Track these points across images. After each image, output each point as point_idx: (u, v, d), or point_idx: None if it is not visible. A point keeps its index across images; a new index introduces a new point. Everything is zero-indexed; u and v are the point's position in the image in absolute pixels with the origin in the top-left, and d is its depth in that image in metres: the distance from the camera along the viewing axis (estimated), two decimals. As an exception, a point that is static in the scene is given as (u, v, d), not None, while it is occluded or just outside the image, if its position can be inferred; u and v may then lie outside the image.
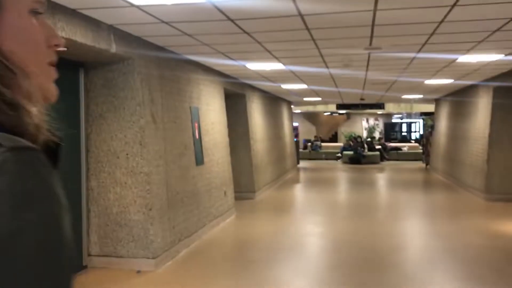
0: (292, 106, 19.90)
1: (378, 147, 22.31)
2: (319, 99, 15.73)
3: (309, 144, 23.91)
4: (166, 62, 6.03)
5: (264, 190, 11.42)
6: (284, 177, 14.44)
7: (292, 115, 18.09)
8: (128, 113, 5.31)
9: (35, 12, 0.68)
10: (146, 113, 5.38)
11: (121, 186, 5.34)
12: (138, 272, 5.23)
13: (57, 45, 0.72)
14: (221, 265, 5.94)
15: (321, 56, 6.60)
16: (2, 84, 0.60)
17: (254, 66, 7.58)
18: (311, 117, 29.79)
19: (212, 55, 6.43)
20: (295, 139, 20.21)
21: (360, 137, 22.64)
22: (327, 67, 7.55)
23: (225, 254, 6.47)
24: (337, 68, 7.71)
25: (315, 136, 24.85)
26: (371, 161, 20.46)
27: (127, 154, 5.31)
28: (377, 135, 28.02)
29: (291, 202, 10.54)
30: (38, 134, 0.62)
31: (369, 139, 23.69)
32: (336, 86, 10.95)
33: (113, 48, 4.78)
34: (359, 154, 20.44)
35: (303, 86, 11.02)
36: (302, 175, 16.73)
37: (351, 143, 22.20)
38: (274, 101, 14.19)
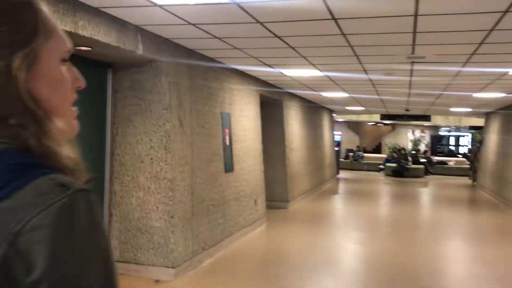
0: (334, 115, 19.49)
1: (422, 160, 21.50)
2: (362, 108, 15.26)
3: (351, 154, 23.34)
4: (196, 66, 5.86)
5: (298, 200, 11.10)
6: (321, 187, 14.06)
7: (333, 124, 17.67)
8: (155, 116, 5.16)
9: (64, 60, 0.76)
10: (172, 117, 5.22)
11: (144, 191, 5.19)
12: (157, 281, 5.05)
13: (79, 87, 0.80)
14: (245, 278, 5.69)
15: (360, 63, 6.26)
16: (43, 132, 0.69)
17: (290, 72, 7.32)
18: (355, 127, 29.15)
19: (244, 61, 6.22)
20: (336, 149, 19.76)
21: (404, 149, 21.88)
22: (367, 73, 7.18)
23: (251, 267, 6.21)
24: (378, 74, 7.33)
25: (357, 146, 24.25)
26: (414, 174, 19.72)
27: (151, 159, 5.17)
28: (422, 147, 27.06)
29: (326, 214, 10.16)
30: (77, 174, 0.71)
31: (413, 152, 22.88)
32: (378, 95, 10.51)
33: (140, 50, 4.64)
34: (402, 167, 19.74)
35: (344, 94, 10.65)
36: (341, 186, 16.26)
37: (394, 155, 21.50)
38: (315, 110, 13.86)
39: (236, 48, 5.45)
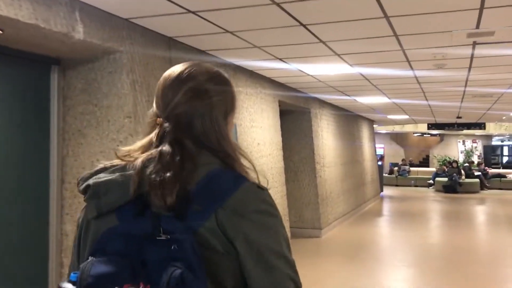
0: (375, 126, 17.68)
1: (477, 173, 19.26)
2: (406, 117, 13.44)
3: (396, 168, 21.33)
4: (181, 60, 4.41)
5: (334, 225, 9.42)
6: (362, 208, 12.29)
7: (374, 135, 15.87)
8: (114, 128, 3.73)
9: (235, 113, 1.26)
10: (139, 129, 3.77)
11: (102, 233, 3.74)
12: None
13: None
14: None
15: (402, 49, 4.65)
16: (233, 159, 1.14)
17: (311, 69, 5.77)
18: (399, 138, 27.08)
19: (245, 52, 4.73)
20: (379, 163, 17.89)
21: (456, 161, 19.71)
22: (411, 67, 5.54)
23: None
24: (426, 69, 5.67)
25: (402, 160, 22.21)
26: (469, 189, 17.55)
27: (110, 187, 3.72)
28: (475, 159, 24.66)
29: (368, 243, 8.43)
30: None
31: (466, 164, 20.64)
32: (426, 99, 8.77)
33: (79, 33, 3.24)
34: (454, 182, 17.61)
35: (384, 99, 8.97)
36: (385, 205, 14.40)
37: (445, 168, 19.37)
38: (351, 119, 12.19)
39: (228, 31, 3.98)
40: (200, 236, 0.99)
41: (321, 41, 4.28)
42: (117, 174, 1.07)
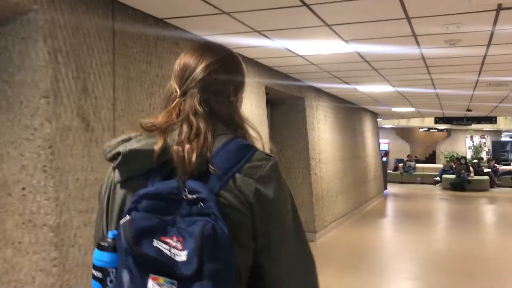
0: (379, 120, 16.74)
1: (486, 170, 18.29)
2: (412, 109, 12.50)
3: (401, 165, 20.38)
4: (127, 28, 3.52)
5: (331, 228, 8.52)
6: (364, 208, 11.37)
7: (378, 129, 14.93)
8: (28, 112, 2.85)
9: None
10: (62, 113, 2.89)
11: (13, 248, 2.87)
12: None
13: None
14: None
15: (407, 19, 3.73)
16: (242, 129, 1.26)
17: (300, 47, 4.86)
18: (404, 134, 26.11)
19: (216, 22, 3.82)
20: (383, 159, 16.95)
21: (464, 158, 18.74)
22: (419, 44, 4.62)
23: None
24: (436, 46, 4.75)
25: (408, 156, 21.26)
26: (478, 187, 16.59)
27: (23, 189, 2.85)
28: (483, 155, 23.65)
29: (367, 249, 7.53)
30: None
31: (475, 161, 19.66)
32: (434, 87, 7.83)
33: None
34: (463, 179, 16.66)
35: (387, 87, 8.04)
36: (389, 204, 13.48)
37: (453, 164, 18.42)
38: (353, 112, 11.26)
39: (180, -12, 3.08)
40: (221, 197, 1.11)
41: (304, 4, 3.37)
42: (143, 142, 1.18)
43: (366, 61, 5.59)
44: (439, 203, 14.21)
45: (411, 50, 4.89)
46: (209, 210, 1.06)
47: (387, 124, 21.98)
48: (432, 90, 8.17)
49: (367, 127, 13.00)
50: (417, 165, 20.42)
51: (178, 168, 1.12)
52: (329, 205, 8.58)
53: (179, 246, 1.03)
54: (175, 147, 1.13)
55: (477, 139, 24.74)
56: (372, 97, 9.68)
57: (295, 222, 1.19)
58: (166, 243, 1.04)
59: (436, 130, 24.75)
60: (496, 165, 19.06)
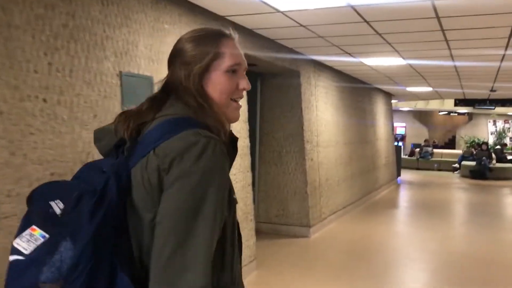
0: (394, 101, 15.53)
1: (510, 157, 16.98)
2: (430, 89, 11.28)
3: (418, 150, 19.14)
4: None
5: (330, 221, 7.49)
6: (372, 197, 10.30)
7: (391, 112, 13.75)
8: None
9: (231, 71, 1.30)
10: None
11: None
12: None
13: (244, 89, 1.34)
14: None
15: None
16: (202, 110, 1.22)
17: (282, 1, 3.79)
18: (423, 117, 24.78)
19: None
20: (397, 144, 15.79)
21: (486, 143, 17.43)
22: (437, 14, 3.52)
23: None
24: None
25: (425, 141, 20.00)
26: (500, 176, 15.32)
27: None
28: (508, 141, 22.24)
29: (370, 248, 6.48)
30: (220, 134, 1.20)
31: (498, 147, 18.32)
32: (453, 58, 6.66)
33: None
34: (484, 166, 15.40)
35: (398, 60, 6.90)
36: (402, 193, 12.37)
37: (473, 150, 17.15)
38: (362, 91, 10.12)
39: None
40: (133, 174, 1.17)
41: None
42: (113, 123, 1.30)
43: (365, 21, 4.48)
44: (457, 192, 13.03)
45: (421, 1, 3.77)
46: (96, 187, 1.14)
47: (404, 106, 20.74)
48: (451, 63, 6.99)
49: (379, 108, 11.84)
50: (435, 150, 19.17)
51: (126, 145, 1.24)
52: (329, 195, 7.55)
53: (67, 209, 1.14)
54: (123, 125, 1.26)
55: (500, 124, 23.29)
56: (383, 73, 8.53)
57: (194, 219, 1.10)
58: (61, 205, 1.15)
59: (456, 114, 23.33)
60: (521, 152, 17.72)
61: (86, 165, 1.27)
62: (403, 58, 6.68)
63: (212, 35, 1.28)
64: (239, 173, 4.85)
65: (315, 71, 7.24)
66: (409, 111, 23.41)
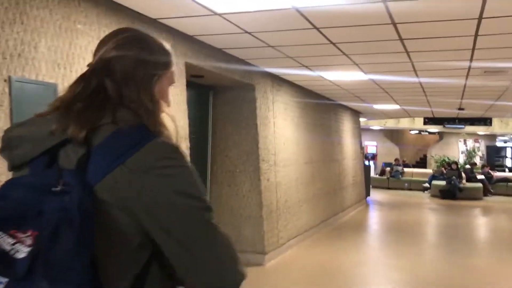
0: (365, 119, 15.24)
1: (480, 177, 16.80)
2: (397, 107, 10.97)
3: (388, 169, 18.86)
4: None
5: (289, 246, 6.95)
6: (338, 219, 9.81)
7: (359, 130, 13.40)
8: None
9: (169, 85, 1.24)
10: None
11: None
12: None
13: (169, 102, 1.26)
14: None
15: None
16: (153, 117, 1.13)
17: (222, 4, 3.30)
18: (394, 136, 24.62)
19: None
20: (368, 162, 15.45)
21: (456, 162, 17.23)
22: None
23: None
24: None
25: (395, 160, 19.74)
26: (470, 196, 15.06)
27: None
28: (477, 160, 22.19)
29: (333, 276, 5.95)
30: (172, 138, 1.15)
31: (468, 166, 18.17)
32: (416, 74, 6.28)
33: None
34: (453, 186, 15.14)
35: (358, 74, 6.50)
36: (370, 214, 11.95)
37: (443, 170, 16.91)
38: (327, 108, 9.71)
39: None
40: (97, 192, 1.01)
41: None
42: (30, 128, 1.12)
43: (315, 27, 4.03)
44: (427, 213, 12.67)
45: (373, 3, 3.34)
46: (70, 206, 0.97)
47: (375, 125, 20.50)
48: (415, 79, 6.62)
49: (346, 126, 11.46)
50: (406, 169, 18.92)
51: (60, 156, 1.06)
52: (288, 218, 7.02)
53: (28, 241, 0.94)
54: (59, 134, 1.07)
55: (470, 143, 23.29)
56: (346, 89, 8.14)
57: (193, 202, 1.09)
58: (14, 237, 0.94)
59: (427, 133, 23.26)
60: (490, 171, 17.57)
61: (11, 182, 1.03)
62: (364, 72, 6.28)
63: (161, 43, 1.25)
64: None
65: (273, 85, 6.77)
66: (380, 130, 23.21)
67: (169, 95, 1.23)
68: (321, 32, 4.19)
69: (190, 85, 5.62)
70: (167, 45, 1.23)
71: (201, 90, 6.02)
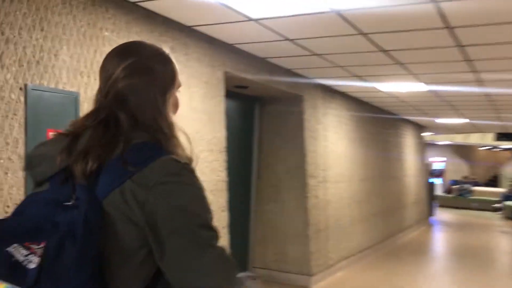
0: (430, 134, 14.44)
1: (560, 198, 15.36)
2: (463, 120, 10.22)
3: (456, 187, 17.75)
4: None
5: (339, 269, 6.53)
6: (396, 240, 9.22)
7: (423, 145, 12.67)
8: None
9: (178, 88, 1.25)
10: None
11: None
12: None
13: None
14: None
15: None
16: (172, 137, 1.16)
17: (245, 3, 3.08)
18: (463, 152, 23.21)
19: None
20: (433, 180, 14.60)
21: (532, 182, 15.91)
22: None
23: None
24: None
25: (464, 177, 18.58)
26: (549, 219, 13.78)
27: None
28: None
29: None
30: (185, 159, 1.14)
31: (546, 186, 16.72)
32: (482, 85, 5.72)
33: None
34: (529, 208, 13.92)
35: (418, 86, 6.03)
36: (433, 236, 11.20)
37: (517, 189, 15.67)
38: (386, 122, 9.21)
39: None
40: (105, 206, 1.03)
41: None
42: (51, 147, 1.17)
43: (361, 32, 3.69)
44: (498, 237, 11.67)
45: (420, 4, 2.96)
46: (77, 220, 1.00)
47: (442, 140, 19.44)
48: (480, 89, 6.04)
49: (408, 141, 10.84)
50: (475, 188, 17.71)
51: (75, 172, 1.08)
52: (339, 238, 6.61)
53: (40, 252, 0.98)
54: (78, 150, 1.11)
55: (549, 161, 21.50)
56: (405, 102, 7.64)
57: (197, 230, 1.09)
58: (28, 249, 0.99)
59: (500, 149, 21.75)
60: None
61: (30, 197, 1.12)
62: (422, 83, 5.81)
63: (166, 54, 1.25)
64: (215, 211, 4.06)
65: (324, 97, 6.44)
66: (447, 145, 22.01)
67: (178, 99, 1.26)
68: (368, 38, 3.85)
69: (234, 96, 5.46)
70: (167, 51, 1.24)
71: (246, 101, 5.81)
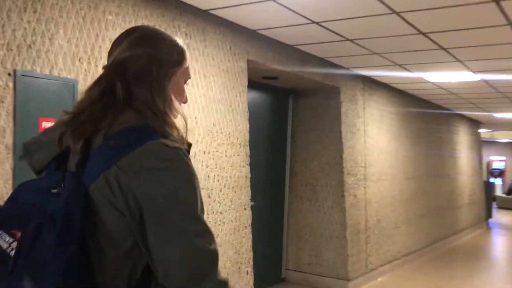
0: (487, 131, 13.54)
1: None
2: (524, 116, 9.41)
3: (517, 188, 16.61)
4: None
5: (381, 273, 6.08)
6: (448, 243, 8.59)
7: (480, 142, 11.85)
8: None
9: (185, 81, 1.22)
10: None
11: None
12: None
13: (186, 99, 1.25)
14: None
15: None
16: (162, 118, 1.09)
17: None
18: (526, 151, 21.74)
19: None
20: (490, 180, 13.67)
21: None
22: None
23: None
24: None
25: (527, 177, 17.32)
26: None
27: None
28: None
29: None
30: (181, 141, 1.10)
31: None
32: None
33: None
34: None
35: (466, 74, 5.49)
36: (491, 240, 10.40)
37: None
38: (438, 117, 8.60)
39: None
40: (92, 192, 1.01)
41: None
42: (49, 134, 1.17)
43: (394, 11, 3.29)
44: None
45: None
46: (51, 212, 0.97)
47: (503, 137, 18.25)
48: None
49: (462, 137, 10.12)
50: (539, 189, 16.48)
51: (70, 160, 1.08)
52: (380, 241, 6.16)
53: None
54: (67, 137, 1.09)
55: None
56: (455, 94, 7.05)
57: (183, 220, 1.05)
58: (14, 236, 0.98)
59: None
60: None
61: (23, 185, 1.09)
62: (472, 71, 5.27)
63: (173, 38, 1.22)
64: (230, 211, 3.78)
65: (364, 88, 6.02)
66: (508, 143, 20.67)
67: (185, 92, 1.22)
68: (402, 18, 3.44)
69: (264, 87, 5.17)
70: (180, 41, 1.21)
71: (278, 94, 5.50)
